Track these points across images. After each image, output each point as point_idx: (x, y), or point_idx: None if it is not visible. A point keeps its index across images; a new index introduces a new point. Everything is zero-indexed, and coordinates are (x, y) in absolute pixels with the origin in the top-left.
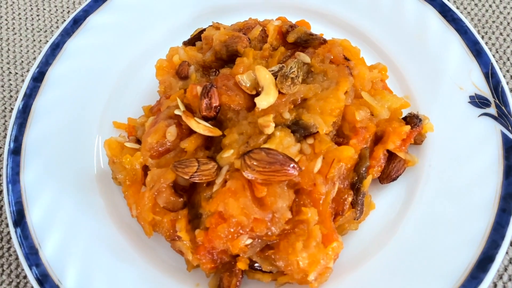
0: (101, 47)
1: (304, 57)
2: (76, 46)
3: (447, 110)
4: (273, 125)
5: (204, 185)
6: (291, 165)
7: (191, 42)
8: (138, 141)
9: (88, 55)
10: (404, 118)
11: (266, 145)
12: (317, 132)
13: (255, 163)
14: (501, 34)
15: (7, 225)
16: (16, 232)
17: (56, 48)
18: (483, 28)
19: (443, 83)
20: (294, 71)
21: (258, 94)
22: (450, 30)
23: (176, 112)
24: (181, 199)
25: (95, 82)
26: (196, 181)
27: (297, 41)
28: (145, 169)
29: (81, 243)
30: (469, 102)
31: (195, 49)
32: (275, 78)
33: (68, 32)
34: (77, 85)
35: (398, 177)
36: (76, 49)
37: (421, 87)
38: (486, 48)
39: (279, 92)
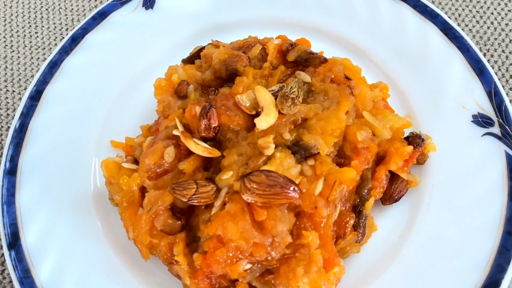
0: (99, 66)
1: (305, 76)
2: (74, 64)
3: (450, 130)
4: (273, 146)
5: (203, 207)
6: (292, 188)
7: (190, 60)
8: (136, 161)
9: (86, 73)
10: (407, 138)
11: (266, 167)
12: (318, 153)
13: (254, 186)
14: (503, 51)
15: (1, 247)
16: (10, 255)
17: (54, 66)
18: (485, 45)
19: (445, 102)
20: (294, 91)
21: (258, 114)
22: (452, 48)
23: (175, 132)
24: (179, 222)
25: (93, 101)
26: (194, 203)
27: (297, 60)
28: (143, 190)
29: (77, 266)
30: (472, 121)
31: (194, 68)
32: (275, 98)
33: (66, 50)
34: (74, 104)
35: (400, 198)
36: (74, 68)
37: (423, 106)
38: (488, 66)
39: (279, 113)
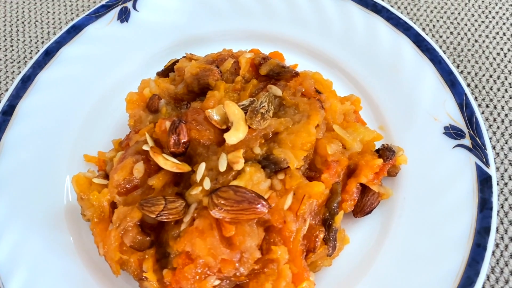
0: (73, 79)
1: (276, 90)
2: (48, 78)
3: (422, 141)
4: (243, 161)
5: (172, 223)
6: (260, 204)
7: (165, 73)
8: (107, 176)
9: (60, 87)
10: (377, 151)
11: (235, 182)
12: (288, 167)
13: (222, 202)
14: (476, 62)
15: None
16: None
17: (27, 80)
18: (459, 56)
19: (417, 114)
20: (264, 106)
21: (228, 129)
22: (424, 60)
23: (144, 147)
24: (148, 238)
25: (67, 115)
26: (163, 220)
27: (269, 74)
28: (113, 205)
29: (48, 283)
30: (443, 133)
31: (168, 81)
32: (245, 113)
33: (40, 64)
34: (48, 118)
35: (372, 210)
36: (47, 82)
37: (396, 118)
38: (460, 78)
39: (250, 127)
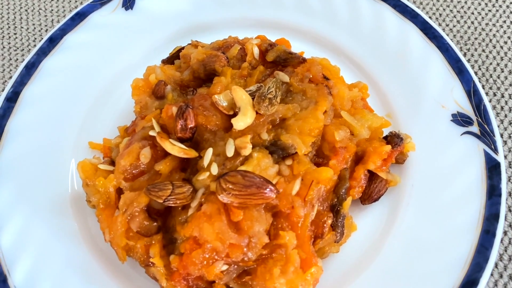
0: (77, 67)
1: (283, 76)
2: (52, 65)
3: (429, 129)
4: (250, 146)
5: (180, 208)
6: (268, 188)
7: (170, 60)
8: (113, 163)
9: (64, 74)
10: (385, 137)
11: (243, 167)
12: (296, 153)
13: (230, 186)
14: (483, 50)
15: None
16: None
17: (31, 67)
18: (466, 44)
19: (425, 101)
20: (272, 91)
21: (235, 114)
22: (432, 48)
23: (151, 133)
24: (155, 223)
25: (71, 102)
26: (170, 205)
27: (276, 60)
28: (119, 192)
29: (53, 269)
30: (451, 120)
31: (174, 68)
32: (253, 99)
33: (44, 51)
34: (52, 105)
35: (379, 197)
36: (52, 69)
37: (403, 105)
38: (468, 65)
39: (257, 113)
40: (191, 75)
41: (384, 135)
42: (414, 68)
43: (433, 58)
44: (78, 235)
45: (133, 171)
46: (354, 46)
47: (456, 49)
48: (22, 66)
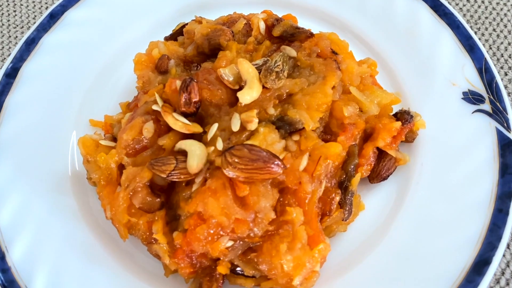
0: (78, 43)
1: (290, 50)
2: (52, 41)
3: (439, 107)
4: (257, 120)
5: (183, 184)
6: (275, 163)
7: (173, 37)
8: (115, 139)
9: (65, 51)
10: (395, 115)
11: (249, 142)
12: (303, 128)
13: (236, 160)
14: (494, 30)
15: None
16: None
17: (31, 43)
18: (476, 24)
19: (435, 79)
20: (279, 65)
21: (241, 88)
22: (442, 25)
23: (154, 107)
24: (158, 199)
25: (72, 79)
26: (174, 180)
27: (282, 35)
28: (121, 168)
29: (52, 247)
30: (462, 98)
31: (177, 44)
32: (259, 72)
33: (44, 28)
34: (52, 82)
35: (388, 176)
36: (52, 45)
37: (413, 84)
38: (479, 42)
39: (263, 87)
40: (195, 50)
41: (393, 112)
42: (424, 45)
43: (444, 36)
44: (78, 213)
45: (136, 146)
46: (362, 23)
47: (467, 26)
48: (21, 42)
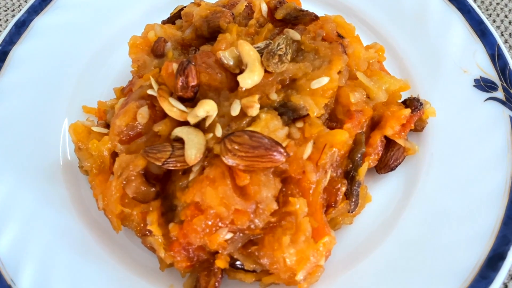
0: (71, 26)
1: (294, 34)
2: (44, 24)
3: (450, 95)
4: (258, 106)
5: (180, 173)
6: (278, 150)
7: (171, 20)
8: (108, 126)
9: (57, 34)
10: (404, 102)
11: (250, 128)
12: (307, 114)
13: (236, 147)
14: (506, 16)
15: None
16: None
17: (21, 26)
18: (487, 10)
19: (445, 66)
20: (282, 48)
21: (241, 73)
22: (452, 9)
23: (149, 92)
24: (153, 188)
25: (64, 64)
26: (170, 168)
27: (286, 18)
28: (114, 156)
29: (41, 239)
30: (474, 85)
31: (175, 28)
32: (261, 56)
33: (35, 10)
34: (43, 66)
35: (397, 166)
36: (44, 28)
37: (421, 70)
38: (491, 27)
39: (265, 71)
40: (193, 33)
41: (401, 99)
42: (433, 30)
43: (454, 20)
44: (69, 202)
45: (130, 133)
46: (369, 8)
47: (479, 10)
48: (11, 24)
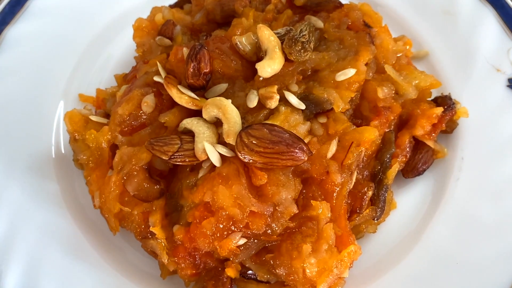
0: (70, 7)
1: (316, 21)
2: (40, 4)
3: (481, 95)
4: (278, 97)
5: (188, 170)
6: (300, 147)
7: (179, 5)
8: (107, 116)
9: (54, 15)
10: (434, 100)
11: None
12: (332, 109)
13: (254, 142)
14: None
15: None
16: None
17: (16, 5)
18: None
19: (476, 65)
20: (305, 35)
21: (259, 60)
22: (484, 5)
23: (156, 78)
24: (157, 186)
25: (61, 47)
26: (177, 163)
27: (306, 4)
28: (114, 149)
29: (29, 237)
30: (508, 85)
31: (184, 12)
32: (281, 43)
33: None
34: (38, 49)
35: (425, 170)
36: (40, 8)
37: (451, 69)
38: None
39: (286, 59)
40: (204, 18)
41: (431, 98)
42: (463, 27)
43: (486, 16)
44: (61, 199)
45: (132, 123)
46: (395, 1)
47: None
48: (4, 3)
